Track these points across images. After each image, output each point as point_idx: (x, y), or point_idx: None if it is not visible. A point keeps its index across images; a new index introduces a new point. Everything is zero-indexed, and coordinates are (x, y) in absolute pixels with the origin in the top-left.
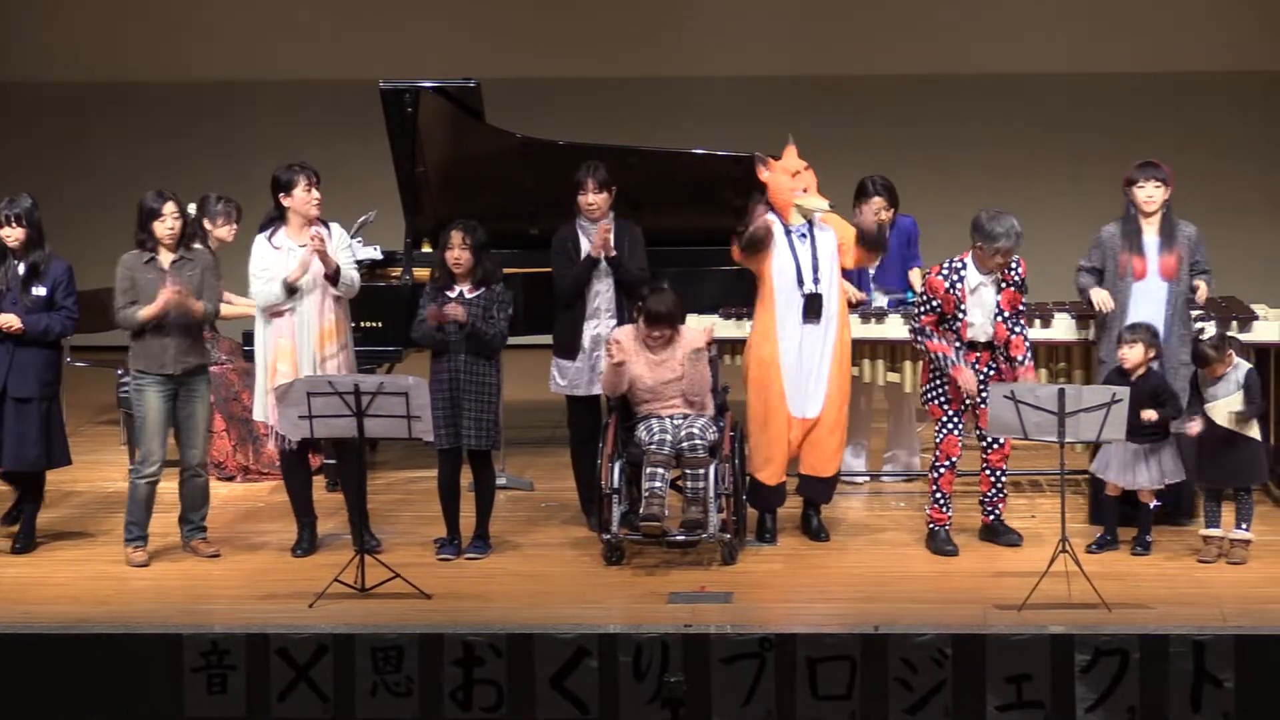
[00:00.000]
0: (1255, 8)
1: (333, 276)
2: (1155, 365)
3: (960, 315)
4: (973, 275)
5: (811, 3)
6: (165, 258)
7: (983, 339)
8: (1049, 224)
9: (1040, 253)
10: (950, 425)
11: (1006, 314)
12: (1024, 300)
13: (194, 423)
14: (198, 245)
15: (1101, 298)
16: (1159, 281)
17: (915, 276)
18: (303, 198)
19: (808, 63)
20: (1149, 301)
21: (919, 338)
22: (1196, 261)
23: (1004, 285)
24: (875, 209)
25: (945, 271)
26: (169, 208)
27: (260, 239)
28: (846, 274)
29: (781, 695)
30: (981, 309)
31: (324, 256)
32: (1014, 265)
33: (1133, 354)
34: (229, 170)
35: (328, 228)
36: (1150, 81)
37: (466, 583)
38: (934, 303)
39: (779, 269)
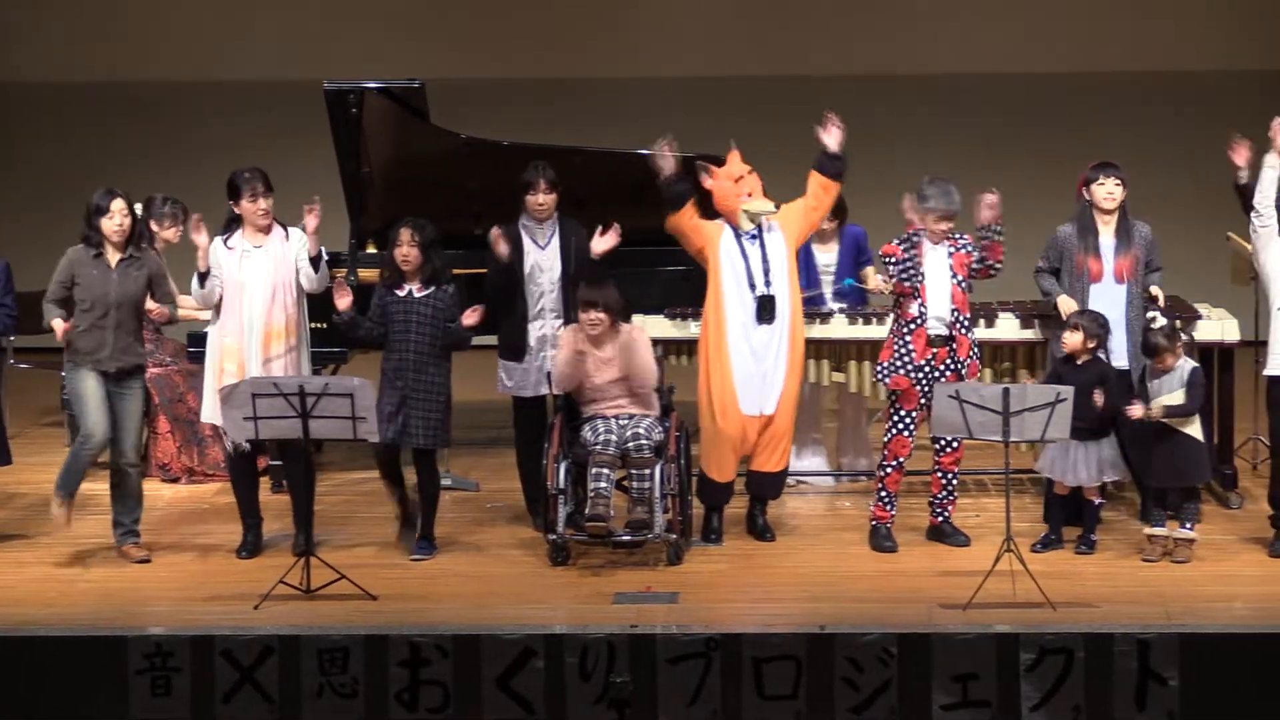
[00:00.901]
0: (1192, 9)
1: (315, 259)
2: (1101, 355)
3: (920, 279)
4: (927, 242)
5: (754, 3)
6: (113, 256)
7: (942, 321)
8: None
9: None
10: (900, 426)
11: (961, 277)
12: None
13: (127, 420)
14: (145, 246)
15: (1066, 306)
16: (1114, 284)
17: (869, 274)
18: (248, 207)
19: (751, 63)
20: (1107, 303)
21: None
22: (1150, 261)
23: (953, 250)
24: None
25: (900, 239)
26: (117, 205)
27: (217, 241)
28: (806, 270)
29: (727, 695)
30: (937, 275)
31: (313, 234)
32: (961, 238)
33: (1072, 339)
34: (174, 171)
35: (287, 231)
36: (1093, 81)
37: (412, 584)
38: (894, 265)
39: (730, 271)
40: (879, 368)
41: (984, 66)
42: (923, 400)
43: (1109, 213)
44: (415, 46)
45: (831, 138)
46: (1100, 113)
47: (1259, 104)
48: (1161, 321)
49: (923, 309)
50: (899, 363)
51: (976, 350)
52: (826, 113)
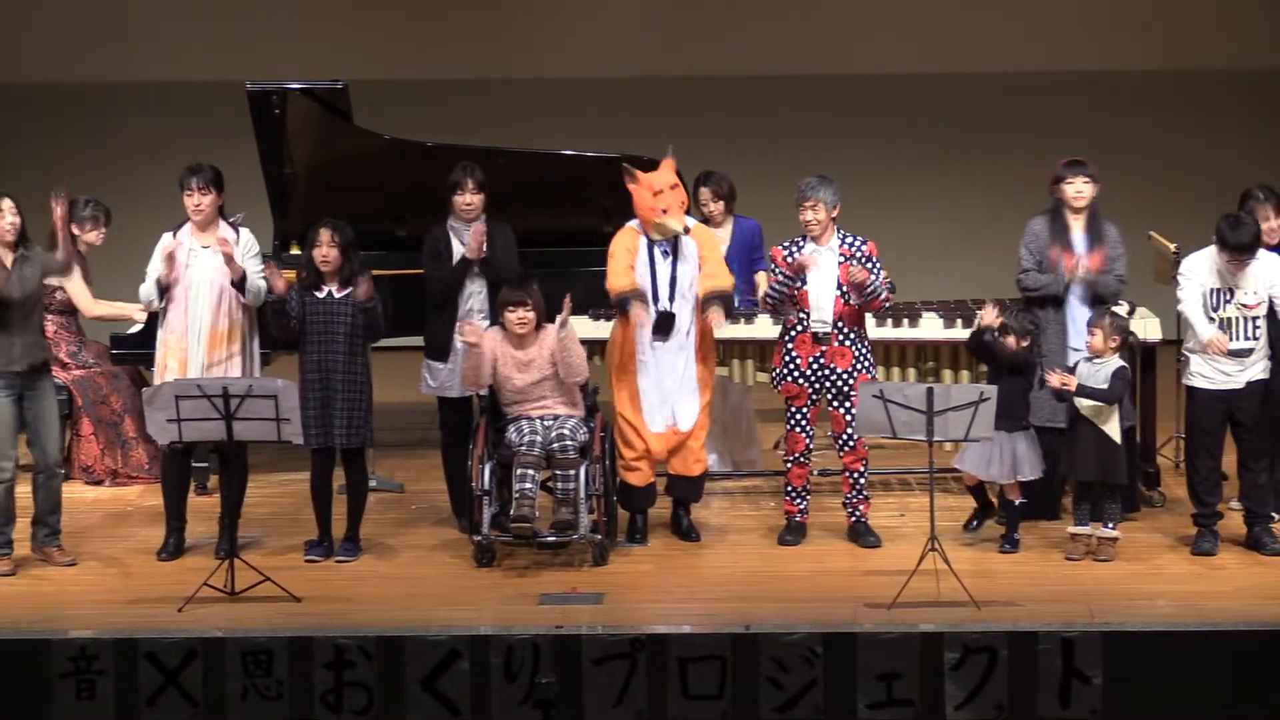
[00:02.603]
0: (1121, 9)
1: (239, 283)
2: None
3: (799, 284)
4: (810, 245)
5: (678, 4)
6: (6, 256)
7: (824, 319)
8: (910, 225)
9: (904, 253)
10: (793, 423)
11: (845, 289)
12: (882, 275)
13: (45, 420)
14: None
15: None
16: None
17: (761, 279)
18: (186, 203)
19: (674, 63)
20: (1079, 297)
21: (767, 300)
22: (1112, 268)
23: (842, 259)
24: (703, 199)
25: (786, 243)
26: (6, 204)
27: (166, 236)
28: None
29: (653, 695)
30: (820, 281)
31: (230, 261)
32: (856, 241)
33: (1007, 344)
34: (96, 172)
35: (237, 232)
36: (1010, 81)
37: (337, 585)
38: (779, 274)
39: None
40: (773, 374)
41: (909, 67)
42: (814, 398)
43: (1078, 211)
44: (339, 47)
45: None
46: (1020, 112)
47: (1181, 103)
48: (1122, 313)
49: (802, 314)
50: (786, 370)
51: (868, 361)
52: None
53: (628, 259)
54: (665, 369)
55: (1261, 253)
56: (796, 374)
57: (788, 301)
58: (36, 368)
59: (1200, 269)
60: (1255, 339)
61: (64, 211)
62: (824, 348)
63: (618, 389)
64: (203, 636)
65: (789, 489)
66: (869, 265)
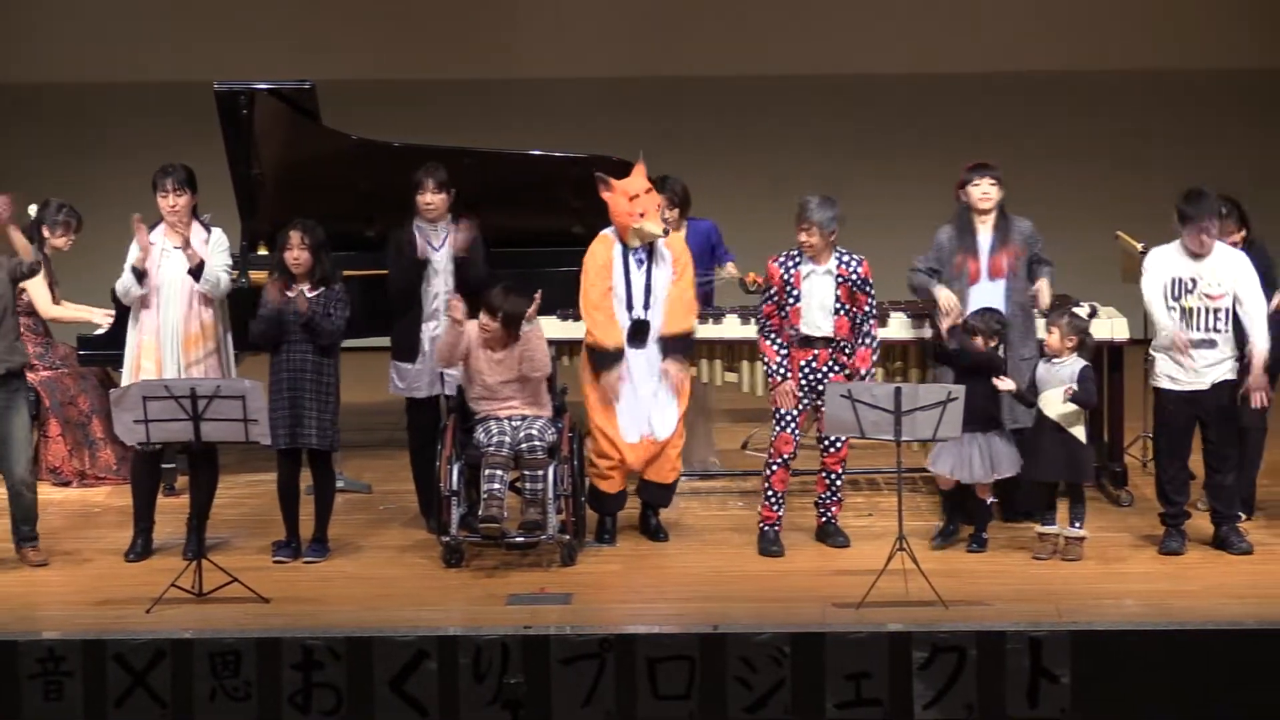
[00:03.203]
0: (1080, 10)
1: (195, 270)
2: (1001, 350)
3: (791, 301)
4: (806, 263)
5: (647, 5)
6: None
7: (820, 334)
8: (878, 224)
9: (873, 254)
10: (781, 424)
11: (848, 307)
12: (870, 301)
13: (15, 438)
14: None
15: (946, 298)
16: (988, 281)
17: (730, 268)
18: (160, 204)
19: (643, 64)
20: (986, 301)
21: (760, 333)
22: (1035, 255)
23: (840, 280)
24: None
25: (782, 258)
26: None
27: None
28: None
29: (621, 695)
30: (816, 298)
31: (187, 245)
32: (852, 262)
33: (975, 345)
34: (66, 172)
35: (209, 231)
36: (980, 81)
37: (305, 586)
38: (771, 290)
39: (614, 292)
40: (767, 371)
41: (881, 68)
42: (804, 401)
43: (985, 213)
44: (308, 47)
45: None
46: (986, 113)
47: (1144, 103)
48: (1082, 314)
49: (794, 331)
50: (780, 371)
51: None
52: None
53: (604, 280)
54: (640, 378)
55: (1228, 249)
56: (787, 374)
57: (780, 317)
58: (14, 372)
59: (1163, 261)
60: (1219, 331)
61: (9, 213)
62: (815, 351)
63: (591, 396)
64: (171, 637)
65: (770, 494)
66: (865, 288)
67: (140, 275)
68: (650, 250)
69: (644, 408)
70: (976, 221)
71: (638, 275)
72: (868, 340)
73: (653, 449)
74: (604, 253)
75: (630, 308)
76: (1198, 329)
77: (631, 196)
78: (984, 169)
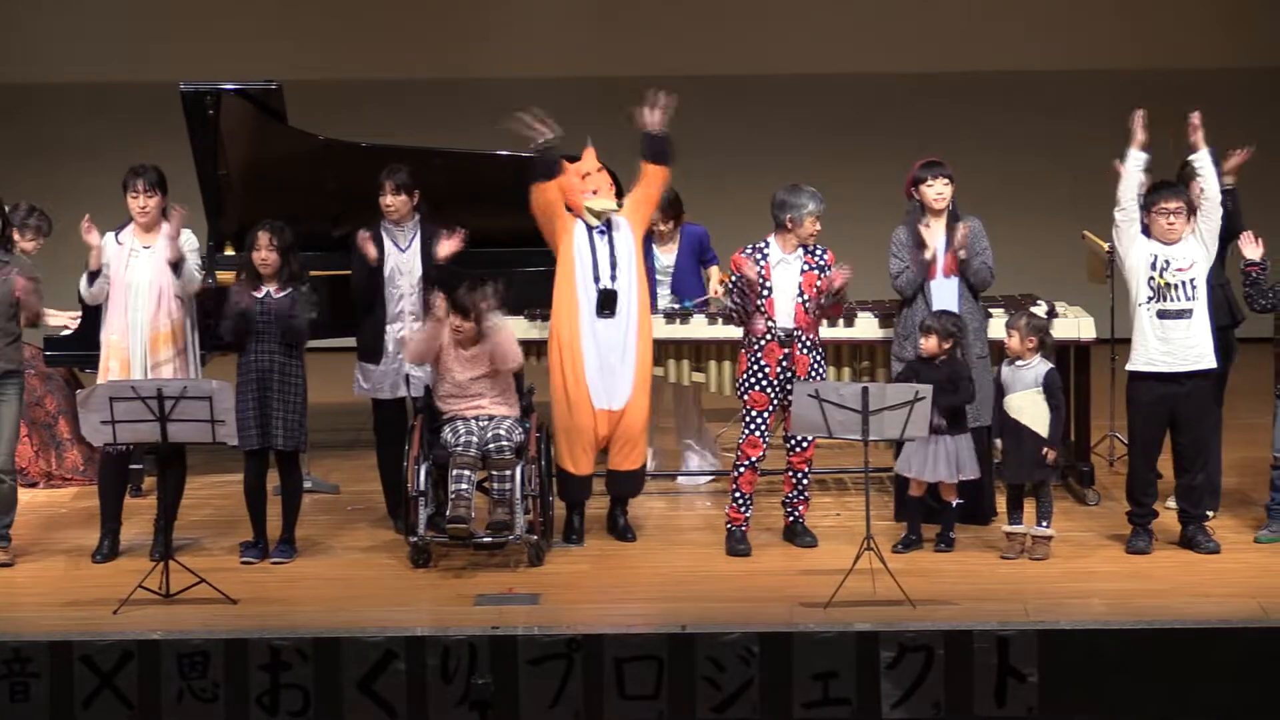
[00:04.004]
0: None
1: (175, 264)
2: (958, 354)
3: (765, 293)
4: (775, 252)
5: (614, 5)
6: None
7: (785, 325)
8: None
9: (838, 253)
10: (752, 427)
11: (807, 297)
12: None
13: (3, 424)
14: (11, 249)
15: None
16: (943, 279)
17: (714, 273)
18: (130, 204)
19: (611, 64)
20: (941, 299)
21: (727, 301)
22: (977, 253)
23: (805, 268)
24: (652, 220)
25: (750, 250)
26: None
27: (108, 236)
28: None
29: (589, 696)
30: (785, 288)
31: (173, 240)
32: (819, 250)
33: (928, 343)
34: (31, 173)
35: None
36: (936, 81)
37: (272, 587)
38: (739, 281)
39: (579, 264)
40: (738, 382)
41: (834, 67)
42: (775, 402)
43: (939, 212)
44: (274, 48)
45: (652, 118)
46: (948, 113)
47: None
48: (1040, 313)
49: (771, 324)
50: (753, 379)
51: (822, 366)
52: (652, 95)
53: (564, 215)
54: (607, 346)
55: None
56: (765, 382)
57: (756, 312)
58: (8, 373)
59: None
60: (1193, 300)
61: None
62: (787, 350)
63: (560, 368)
64: (138, 639)
65: (738, 495)
66: (827, 272)
67: (92, 276)
68: (609, 223)
69: (610, 378)
70: (931, 221)
71: (601, 245)
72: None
73: (612, 418)
74: (570, 228)
75: (597, 279)
76: (1175, 300)
77: (583, 175)
78: (936, 167)
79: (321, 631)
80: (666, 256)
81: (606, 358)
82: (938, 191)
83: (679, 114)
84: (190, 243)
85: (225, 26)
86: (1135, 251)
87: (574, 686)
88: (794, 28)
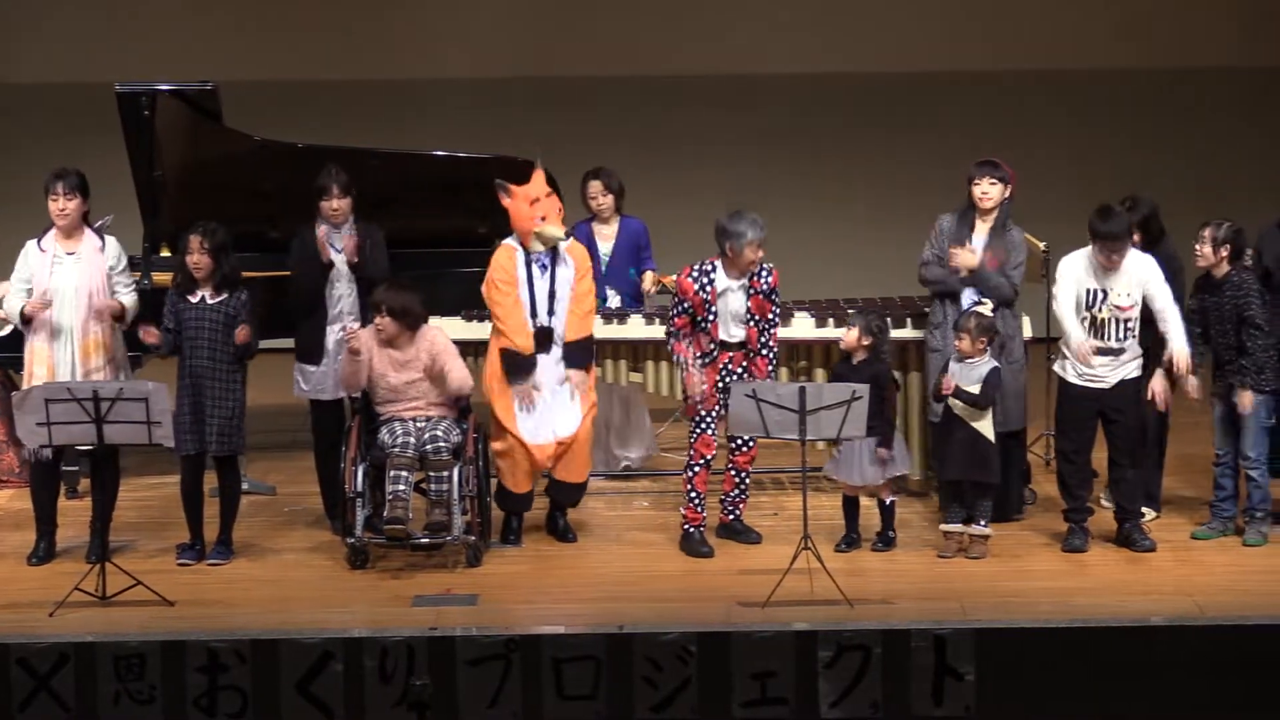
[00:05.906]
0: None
1: (119, 316)
2: (883, 355)
3: (710, 318)
4: (721, 279)
5: (554, 4)
6: None
7: (734, 341)
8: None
9: (778, 253)
10: (702, 426)
11: (757, 318)
12: (775, 308)
13: None
14: None
15: (964, 257)
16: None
17: (648, 279)
18: (49, 207)
19: (550, 64)
20: (971, 296)
21: (669, 339)
22: (1004, 265)
23: (753, 292)
24: (592, 193)
25: (695, 274)
26: None
27: (30, 244)
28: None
29: (528, 696)
30: (731, 312)
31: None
32: (764, 273)
33: (849, 336)
34: None
35: (103, 239)
36: (887, 81)
37: (209, 589)
38: (685, 304)
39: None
40: (685, 398)
41: (786, 67)
42: (722, 403)
43: (986, 212)
44: (211, 48)
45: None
46: (896, 113)
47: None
48: (986, 313)
49: (713, 344)
50: (700, 394)
51: (772, 370)
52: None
53: (513, 289)
54: (545, 381)
55: (1135, 254)
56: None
57: (700, 331)
58: None
59: (1076, 269)
60: (1126, 340)
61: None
62: (731, 354)
63: (498, 402)
64: (74, 641)
65: (694, 495)
66: (772, 297)
67: (26, 321)
68: (553, 255)
69: (550, 411)
70: (977, 218)
71: (541, 282)
72: (765, 351)
73: (559, 448)
74: (508, 261)
75: (535, 315)
76: (1106, 338)
77: (532, 201)
78: (988, 167)
79: (259, 633)
80: (604, 245)
81: (544, 391)
82: (983, 190)
83: (616, 112)
84: (119, 259)
85: (161, 27)
86: (1064, 300)
87: (512, 687)
88: (728, 28)
